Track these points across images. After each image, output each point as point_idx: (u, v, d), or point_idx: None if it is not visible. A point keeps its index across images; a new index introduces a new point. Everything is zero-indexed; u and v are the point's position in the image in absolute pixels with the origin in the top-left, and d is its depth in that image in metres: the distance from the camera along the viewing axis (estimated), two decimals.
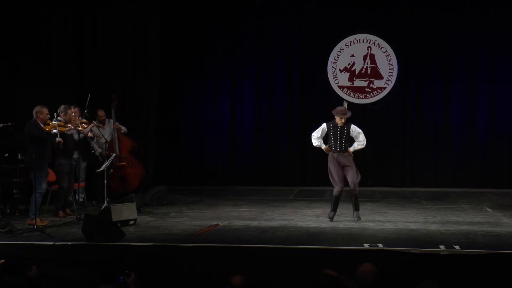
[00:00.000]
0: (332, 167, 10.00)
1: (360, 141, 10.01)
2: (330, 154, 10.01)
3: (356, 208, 10.09)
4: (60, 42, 12.75)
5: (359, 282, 6.02)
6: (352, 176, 9.91)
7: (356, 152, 10.15)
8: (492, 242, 8.35)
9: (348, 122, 10.02)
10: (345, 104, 9.99)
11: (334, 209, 10.02)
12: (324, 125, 10.08)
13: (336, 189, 9.98)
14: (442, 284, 6.19)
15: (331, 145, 9.97)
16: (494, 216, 10.44)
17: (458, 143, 13.91)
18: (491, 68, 13.79)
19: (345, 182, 9.98)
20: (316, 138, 10.12)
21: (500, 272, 7.30)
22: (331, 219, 9.94)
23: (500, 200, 12.18)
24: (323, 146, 10.06)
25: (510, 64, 13.72)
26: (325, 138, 10.16)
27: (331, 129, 9.97)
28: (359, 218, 9.98)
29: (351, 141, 10.04)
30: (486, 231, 9.02)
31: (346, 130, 9.93)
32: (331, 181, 10.09)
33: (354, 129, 9.99)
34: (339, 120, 9.91)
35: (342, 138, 9.90)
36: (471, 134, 13.90)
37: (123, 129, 12.12)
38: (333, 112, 10.03)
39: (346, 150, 9.94)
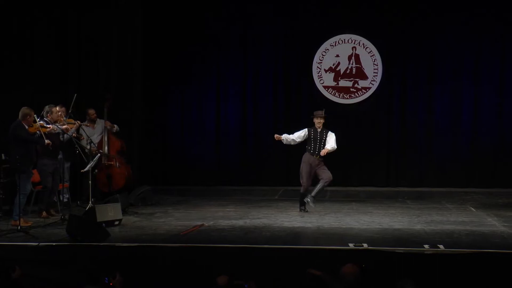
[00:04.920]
0: (304, 168, 10.66)
1: (331, 144, 10.62)
2: (306, 155, 10.70)
3: (314, 194, 10.56)
4: (44, 43, 12.68)
5: (342, 283, 6.03)
6: (327, 173, 10.55)
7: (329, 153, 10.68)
8: (476, 241, 8.40)
9: (326, 128, 10.69)
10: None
11: (302, 204, 10.71)
12: (306, 129, 10.77)
13: (302, 189, 10.71)
14: (427, 283, 6.22)
15: (310, 148, 10.64)
16: (478, 215, 10.50)
17: (442, 143, 13.98)
18: (475, 69, 13.87)
19: (312, 183, 10.70)
20: (290, 135, 10.81)
21: (484, 271, 7.35)
22: (301, 210, 10.69)
23: (484, 200, 12.26)
24: (277, 136, 10.80)
25: (493, 65, 13.82)
26: (305, 143, 10.77)
27: (312, 133, 10.66)
28: (309, 202, 10.52)
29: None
30: (470, 231, 9.07)
31: (325, 135, 10.64)
32: (300, 179, 10.72)
33: (330, 135, 10.67)
34: (316, 121, 10.67)
35: (322, 142, 10.60)
36: (455, 134, 13.97)
37: (115, 127, 12.07)
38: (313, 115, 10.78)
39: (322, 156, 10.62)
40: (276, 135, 10.84)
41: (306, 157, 10.67)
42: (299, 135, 10.77)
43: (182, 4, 14.15)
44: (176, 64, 14.27)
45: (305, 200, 10.58)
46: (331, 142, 10.59)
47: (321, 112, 10.76)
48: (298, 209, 10.75)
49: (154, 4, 14.00)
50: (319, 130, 10.64)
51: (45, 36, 12.70)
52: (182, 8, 14.13)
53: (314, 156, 10.57)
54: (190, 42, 14.22)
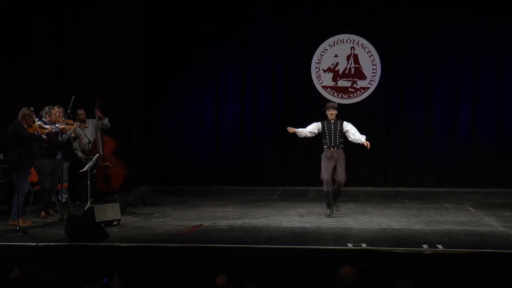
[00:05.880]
0: (323, 163, 10.37)
1: (360, 136, 10.45)
2: (325, 149, 10.40)
3: (334, 198, 10.47)
4: (44, 43, 12.68)
5: (340, 285, 6.02)
6: (340, 174, 10.36)
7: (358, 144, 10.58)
8: (475, 241, 8.40)
9: (340, 119, 10.46)
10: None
11: (328, 206, 10.38)
12: (317, 123, 10.52)
13: (324, 187, 10.35)
14: (426, 283, 6.20)
15: (326, 141, 10.38)
16: (476, 215, 10.50)
17: (441, 143, 13.98)
18: (474, 69, 13.87)
19: (332, 181, 10.35)
20: (304, 129, 10.54)
21: (483, 271, 7.35)
22: (329, 216, 10.24)
23: (483, 200, 12.26)
24: (290, 128, 10.47)
25: (492, 65, 13.82)
26: (320, 136, 10.51)
27: (325, 126, 10.42)
28: (337, 209, 10.53)
29: (344, 137, 10.42)
30: (469, 231, 9.07)
31: (339, 125, 10.39)
32: (321, 177, 10.36)
33: (346, 125, 10.44)
34: (328, 113, 10.39)
35: (336, 133, 10.34)
36: (454, 134, 13.98)
37: (106, 120, 12.03)
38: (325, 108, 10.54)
39: (340, 147, 10.36)
40: (289, 128, 10.48)
41: (324, 152, 10.39)
42: (312, 129, 10.48)
43: (182, 4, 14.16)
44: (176, 64, 14.27)
45: (333, 209, 10.39)
46: (357, 135, 10.38)
47: (333, 104, 10.61)
48: (325, 215, 10.29)
49: (154, 4, 14.01)
50: (333, 121, 10.39)
51: (45, 36, 12.68)
52: (182, 8, 14.13)
53: (331, 149, 10.31)
54: (189, 42, 14.22)
